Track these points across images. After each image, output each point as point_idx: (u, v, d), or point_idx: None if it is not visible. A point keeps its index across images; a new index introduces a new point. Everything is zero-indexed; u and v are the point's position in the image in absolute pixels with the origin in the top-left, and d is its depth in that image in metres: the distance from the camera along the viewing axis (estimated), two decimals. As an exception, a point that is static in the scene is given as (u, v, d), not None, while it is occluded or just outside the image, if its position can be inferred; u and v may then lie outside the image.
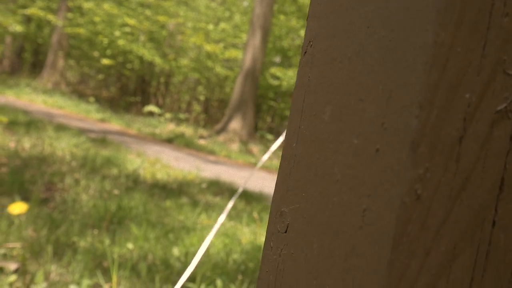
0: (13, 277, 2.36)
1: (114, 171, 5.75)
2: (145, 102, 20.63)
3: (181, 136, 13.01)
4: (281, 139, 1.45)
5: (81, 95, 20.17)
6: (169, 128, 14.78)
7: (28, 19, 23.54)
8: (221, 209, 4.92)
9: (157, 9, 20.43)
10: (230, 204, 1.29)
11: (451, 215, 0.31)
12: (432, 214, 0.31)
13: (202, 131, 15.49)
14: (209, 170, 8.09)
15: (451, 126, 0.31)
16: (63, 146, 6.62)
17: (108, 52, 20.06)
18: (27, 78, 21.78)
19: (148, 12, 19.74)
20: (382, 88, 0.34)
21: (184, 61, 19.49)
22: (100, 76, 23.11)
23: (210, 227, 4.14)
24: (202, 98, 20.35)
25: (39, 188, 4.24)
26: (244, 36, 18.80)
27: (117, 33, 18.84)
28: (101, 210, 3.94)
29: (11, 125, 7.61)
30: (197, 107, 19.88)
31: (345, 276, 0.34)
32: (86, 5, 18.90)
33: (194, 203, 5.00)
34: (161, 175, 6.31)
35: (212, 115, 21.13)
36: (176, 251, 3.33)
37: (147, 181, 5.66)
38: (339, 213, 0.36)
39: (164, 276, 2.86)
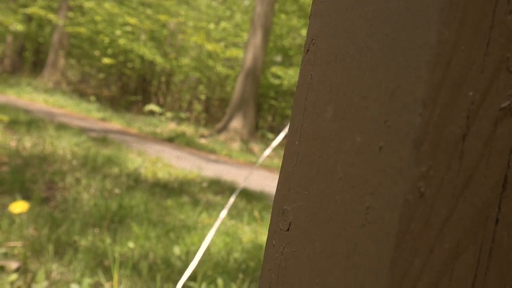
0: (14, 276, 2.37)
1: (115, 170, 5.76)
2: (146, 101, 20.64)
3: (182, 135, 13.01)
4: (282, 135, 1.45)
5: (82, 94, 20.18)
6: (170, 127, 14.78)
7: (29, 18, 23.54)
8: (222, 208, 4.93)
9: (158, 8, 20.43)
10: (232, 199, 1.29)
11: (454, 213, 0.31)
12: (435, 212, 0.31)
13: (203, 130, 15.49)
14: (210, 169, 8.09)
15: (454, 124, 0.31)
16: (64, 145, 6.63)
17: (109, 51, 20.06)
18: (28, 77, 21.79)
19: (149, 11, 19.74)
20: (385, 86, 0.34)
21: (185, 60, 19.49)
22: (101, 75, 23.12)
23: (211, 226, 4.14)
24: (203, 97, 20.36)
25: (40, 187, 4.24)
26: (245, 35, 18.80)
27: (118, 32, 18.84)
28: (102, 209, 3.94)
29: (12, 124, 7.62)
30: (198, 106, 19.88)
31: (348, 274, 0.34)
32: (87, 4, 18.90)
33: (195, 202, 5.00)
34: (162, 174, 6.31)
35: (213, 114, 21.13)
36: (177, 250, 3.33)
37: (148, 180, 5.66)
38: (341, 211, 0.36)
39: (165, 275, 2.87)
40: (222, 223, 4.35)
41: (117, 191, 4.69)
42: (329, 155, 0.38)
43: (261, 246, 3.79)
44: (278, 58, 19.76)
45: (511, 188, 0.33)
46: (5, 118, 7.15)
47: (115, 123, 13.56)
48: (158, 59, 18.96)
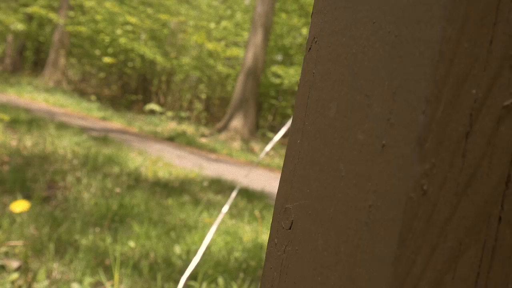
0: (15, 275, 2.37)
1: (116, 169, 5.76)
2: (147, 100, 20.64)
3: (183, 134, 13.01)
4: (284, 129, 1.45)
5: (82, 94, 20.19)
6: (170, 126, 14.79)
7: (29, 18, 23.55)
8: (222, 208, 4.92)
9: (158, 7, 20.43)
10: (233, 194, 1.29)
11: (457, 211, 0.31)
12: (438, 209, 0.31)
13: (204, 130, 15.49)
14: (211, 169, 8.09)
15: (457, 121, 0.31)
16: (65, 145, 6.63)
17: (110, 50, 20.05)
18: (29, 77, 21.80)
19: (149, 10, 19.73)
20: (388, 83, 0.34)
21: (185, 60, 19.49)
22: (102, 75, 23.12)
23: (211, 225, 4.14)
24: (203, 96, 20.36)
25: (41, 186, 4.25)
26: (245, 35, 18.80)
27: (118, 31, 18.84)
28: (103, 208, 3.95)
29: (13, 124, 7.62)
30: (198, 106, 19.89)
31: (351, 272, 0.34)
32: (88, 3, 18.90)
33: (196, 202, 5.01)
34: (162, 174, 6.31)
35: (214, 114, 21.14)
36: (177, 249, 3.33)
37: (149, 180, 5.66)
38: (344, 209, 0.36)
39: (166, 274, 2.87)
40: (223, 222, 4.36)
41: (117, 190, 4.70)
42: (332, 153, 0.38)
43: (261, 245, 3.80)
44: (279, 57, 19.76)
45: (514, 186, 0.33)
46: (6, 117, 7.15)
47: (116, 122, 13.56)
48: (159, 58, 18.97)
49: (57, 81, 20.74)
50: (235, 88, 15.23)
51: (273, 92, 19.81)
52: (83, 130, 9.15)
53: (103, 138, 8.46)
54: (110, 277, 2.67)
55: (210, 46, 17.96)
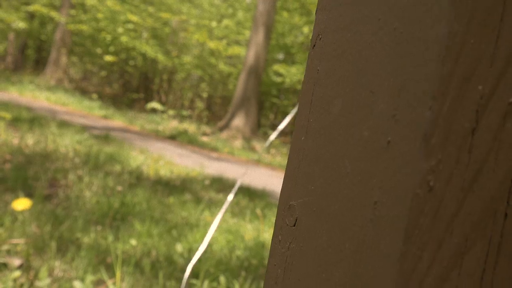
0: (17, 273, 2.37)
1: (117, 167, 5.76)
2: (148, 99, 20.64)
3: (184, 133, 13.02)
4: (288, 118, 1.45)
5: (84, 92, 20.20)
6: (172, 125, 14.79)
7: (31, 16, 23.57)
8: (224, 204, 4.92)
9: (160, 6, 20.43)
10: (236, 187, 1.29)
11: (463, 207, 0.31)
12: (445, 205, 0.31)
13: (205, 128, 15.50)
14: (212, 167, 8.09)
15: (464, 117, 0.31)
16: (66, 143, 6.63)
17: (111, 49, 20.06)
18: (30, 75, 21.82)
19: (151, 9, 19.73)
20: (394, 80, 0.34)
21: (187, 58, 19.49)
22: (103, 73, 23.13)
23: (213, 223, 4.14)
24: (205, 95, 20.37)
25: (43, 185, 4.25)
26: (247, 33, 18.80)
27: (120, 30, 18.84)
28: (105, 206, 3.95)
29: (15, 122, 7.63)
30: (200, 104, 19.89)
31: (356, 269, 0.34)
32: (89, 2, 18.90)
33: (197, 200, 5.01)
34: (164, 172, 6.32)
35: (215, 112, 21.15)
36: (179, 247, 3.33)
37: (150, 178, 5.66)
38: (349, 206, 0.36)
39: (167, 272, 2.87)
40: (225, 221, 4.36)
41: (119, 188, 4.70)
42: (337, 150, 0.38)
43: (263, 244, 3.80)
44: (280, 56, 19.75)
45: (520, 182, 0.33)
46: (8, 115, 7.16)
47: (117, 121, 13.57)
48: (160, 57, 18.97)
49: (59, 79, 20.76)
50: (236, 87, 15.23)
51: (275, 91, 19.81)
52: (84, 128, 9.15)
53: (105, 136, 8.47)
54: (112, 275, 2.68)
55: (211, 44, 17.96)
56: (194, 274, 2.93)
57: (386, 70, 0.34)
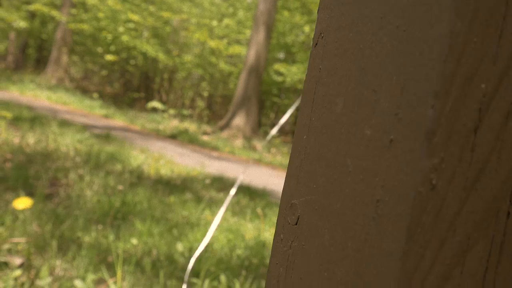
0: (18, 272, 2.37)
1: (118, 167, 5.76)
2: (149, 98, 20.64)
3: (185, 132, 13.02)
4: (289, 112, 1.45)
5: (85, 91, 20.19)
6: (172, 124, 14.79)
7: (32, 15, 23.57)
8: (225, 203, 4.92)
9: (161, 5, 20.42)
10: (238, 181, 1.29)
11: (465, 205, 0.31)
12: (447, 204, 0.31)
13: (206, 127, 15.50)
14: (213, 166, 8.09)
15: (466, 116, 0.31)
16: (67, 142, 6.64)
17: (112, 48, 20.06)
18: (31, 74, 21.82)
19: (152, 8, 19.72)
20: (396, 78, 0.34)
21: (187, 57, 19.49)
22: (104, 72, 23.12)
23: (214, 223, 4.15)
24: (205, 94, 20.35)
25: (44, 184, 4.25)
26: (248, 32, 18.79)
27: (121, 29, 18.84)
28: (105, 205, 3.95)
29: (16, 121, 7.63)
30: (200, 103, 19.88)
31: (358, 267, 0.34)
32: (90, 1, 18.91)
33: (198, 199, 5.01)
34: (165, 171, 6.32)
35: (216, 111, 21.14)
36: (180, 246, 3.33)
37: (151, 177, 5.67)
38: (351, 204, 0.36)
39: (168, 271, 2.87)
40: (225, 220, 4.36)
41: (120, 187, 4.70)
42: (339, 149, 0.38)
43: (264, 243, 3.80)
44: (281, 55, 19.75)
45: (522, 181, 0.33)
46: (9, 114, 7.16)
47: (118, 120, 13.57)
48: (161, 56, 18.97)
49: (60, 78, 20.76)
50: (237, 86, 15.23)
51: (275, 90, 19.81)
52: (85, 127, 9.16)
53: (106, 135, 8.47)
54: (113, 274, 2.68)
55: (212, 44, 17.96)
56: (195, 273, 2.94)
57: (388, 68, 0.34)
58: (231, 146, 12.55)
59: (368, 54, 0.37)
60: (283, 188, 0.45)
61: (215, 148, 11.63)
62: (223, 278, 2.82)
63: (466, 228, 0.31)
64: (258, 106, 15.38)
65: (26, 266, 2.53)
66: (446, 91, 0.30)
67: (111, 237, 3.24)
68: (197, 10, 21.10)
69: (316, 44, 0.44)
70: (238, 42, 20.33)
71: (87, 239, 3.13)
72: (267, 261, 3.43)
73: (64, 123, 8.79)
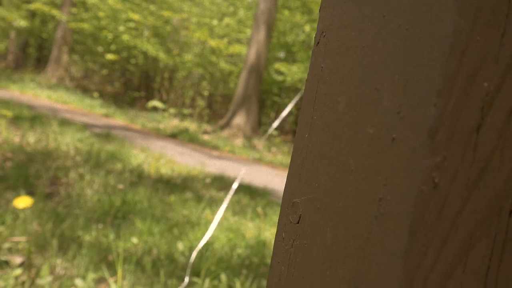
0: (18, 271, 2.37)
1: (119, 166, 5.76)
2: (149, 97, 20.64)
3: (185, 131, 13.02)
4: (289, 107, 1.45)
5: (85, 90, 20.19)
6: (173, 123, 14.79)
7: (32, 14, 23.56)
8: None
9: (161, 4, 20.42)
10: (239, 178, 1.29)
11: (468, 204, 0.31)
12: (449, 203, 0.31)
13: (206, 127, 15.49)
14: (213, 165, 8.09)
15: (469, 115, 0.31)
16: (68, 141, 6.64)
17: (112, 47, 20.06)
18: (32, 73, 21.81)
19: (152, 7, 19.72)
20: (398, 77, 0.34)
21: (188, 57, 19.49)
22: (104, 71, 23.12)
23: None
24: (206, 93, 20.35)
25: (44, 183, 4.25)
26: (248, 31, 18.79)
27: (121, 28, 18.84)
28: (106, 204, 3.95)
29: (16, 120, 7.63)
30: (201, 103, 19.88)
31: (360, 266, 0.34)
32: (90, 0, 18.90)
33: (198, 198, 5.01)
34: (165, 170, 6.32)
35: (216, 111, 21.14)
36: (180, 245, 3.33)
37: (151, 176, 5.67)
38: (353, 203, 0.36)
39: (168, 270, 2.87)
40: (226, 219, 4.36)
41: (120, 186, 4.70)
42: (341, 147, 0.38)
43: (264, 242, 3.80)
44: (281, 55, 19.74)
45: (525, 180, 0.33)
46: (9, 113, 7.16)
47: (118, 119, 13.57)
48: (161, 55, 18.97)
49: (60, 77, 20.75)
50: (237, 85, 15.23)
51: (276, 89, 19.81)
52: (85, 126, 9.16)
53: (106, 134, 8.47)
54: (113, 273, 2.68)
55: (212, 43, 17.96)
56: (195, 272, 2.94)
57: (391, 67, 0.34)
58: (232, 145, 12.55)
59: (370, 53, 0.37)
60: (285, 187, 0.45)
61: (215, 147, 11.63)
62: (223, 277, 2.82)
63: (468, 227, 0.31)
64: (259, 105, 15.38)
65: (26, 265, 2.53)
66: (449, 90, 0.31)
67: (112, 236, 3.24)
68: (197, 9, 21.10)
69: (318, 42, 0.44)
70: (238, 41, 20.32)
71: (87, 238, 3.13)
72: (268, 260, 3.43)
73: (65, 122, 8.79)
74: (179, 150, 9.45)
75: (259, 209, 4.83)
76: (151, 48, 18.73)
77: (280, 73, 17.79)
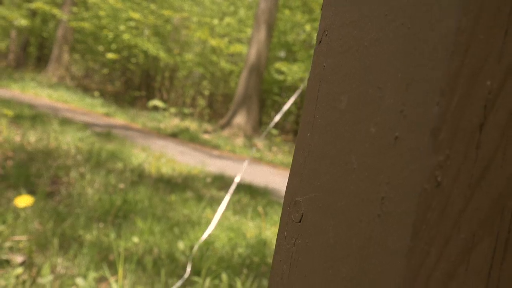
0: (19, 270, 2.38)
1: (119, 165, 5.77)
2: (150, 96, 20.64)
3: (186, 130, 13.02)
4: (289, 102, 1.45)
5: (86, 89, 20.19)
6: (173, 122, 14.79)
7: (33, 13, 23.57)
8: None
9: (161, 3, 20.41)
10: (238, 176, 1.29)
11: (470, 203, 0.31)
12: (452, 201, 0.31)
13: (207, 126, 15.49)
14: (214, 165, 8.09)
15: (472, 113, 0.31)
16: (68, 140, 6.64)
17: (113, 46, 20.05)
18: (32, 72, 21.82)
19: (153, 6, 19.72)
20: (401, 75, 0.33)
21: (188, 56, 19.48)
22: (105, 71, 23.12)
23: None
24: (206, 92, 20.35)
25: (45, 182, 4.25)
26: (249, 31, 18.78)
27: (122, 27, 18.84)
28: (107, 204, 3.95)
29: (17, 119, 7.63)
30: (201, 102, 19.88)
31: (362, 265, 0.34)
32: (91, -1, 18.92)
33: (199, 198, 5.01)
34: (166, 170, 6.32)
35: (217, 110, 21.14)
36: (181, 245, 3.33)
37: (152, 176, 5.67)
38: (356, 201, 0.36)
39: (169, 269, 2.87)
40: (226, 218, 4.36)
41: (121, 186, 4.70)
42: (343, 146, 0.38)
43: (265, 242, 3.80)
44: (282, 54, 19.73)
45: (528, 178, 0.33)
46: (10, 112, 7.16)
47: (119, 118, 13.57)
48: (162, 55, 18.96)
49: (61, 77, 20.76)
50: (238, 85, 15.23)
51: (276, 89, 19.81)
52: (86, 126, 9.16)
53: (107, 134, 8.47)
54: (114, 272, 2.68)
55: (213, 42, 17.95)
56: (196, 271, 2.94)
57: (393, 65, 0.34)
58: (232, 144, 12.55)
59: (372, 52, 0.37)
60: (287, 186, 0.45)
61: (216, 147, 11.63)
62: (224, 276, 2.82)
63: (471, 225, 0.31)
64: (259, 104, 15.38)
65: (27, 264, 2.53)
66: (452, 88, 0.30)
67: (113, 235, 3.24)
68: (198, 8, 21.09)
69: (320, 41, 0.44)
70: (239, 40, 20.32)
71: (88, 237, 3.13)
72: (269, 259, 3.43)
73: (65, 121, 8.80)
74: (180, 149, 9.45)
75: (260, 209, 4.83)
76: (152, 47, 18.73)
77: (280, 72, 17.78)
